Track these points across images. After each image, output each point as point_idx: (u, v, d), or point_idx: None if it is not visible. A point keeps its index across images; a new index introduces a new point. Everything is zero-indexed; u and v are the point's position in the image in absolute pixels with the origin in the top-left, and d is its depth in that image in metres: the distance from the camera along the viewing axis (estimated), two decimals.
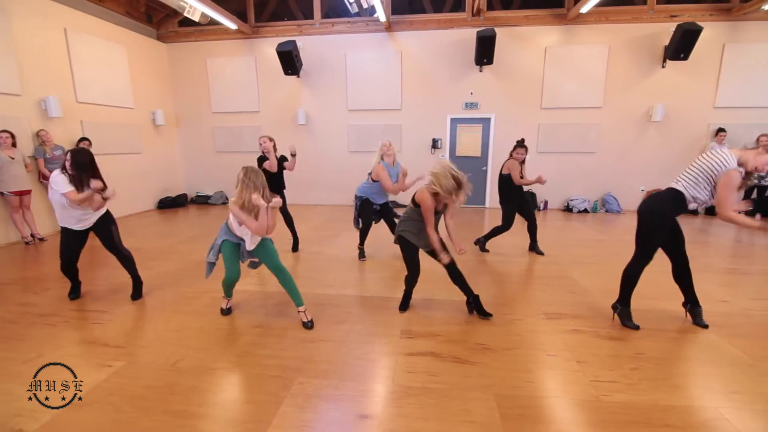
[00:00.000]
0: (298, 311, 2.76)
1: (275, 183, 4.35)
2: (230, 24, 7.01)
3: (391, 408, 1.89)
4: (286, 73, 7.37)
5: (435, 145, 7.63)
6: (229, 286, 2.89)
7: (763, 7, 6.23)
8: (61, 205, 2.90)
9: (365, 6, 6.74)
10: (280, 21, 7.78)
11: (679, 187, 2.49)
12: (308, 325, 2.71)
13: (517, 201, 4.38)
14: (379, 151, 4.09)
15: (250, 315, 2.93)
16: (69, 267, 3.13)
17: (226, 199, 8.48)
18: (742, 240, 5.25)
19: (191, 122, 8.31)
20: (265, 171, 4.11)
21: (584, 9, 6.35)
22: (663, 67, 6.92)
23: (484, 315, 2.82)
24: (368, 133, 7.78)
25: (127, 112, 7.00)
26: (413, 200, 2.73)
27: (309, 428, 1.76)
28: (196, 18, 6.91)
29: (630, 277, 2.68)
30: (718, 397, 1.98)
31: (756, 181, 6.19)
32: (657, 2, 6.80)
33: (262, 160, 4.33)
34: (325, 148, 8.02)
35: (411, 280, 2.90)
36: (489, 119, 7.51)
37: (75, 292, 3.26)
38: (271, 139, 4.31)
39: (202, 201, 8.40)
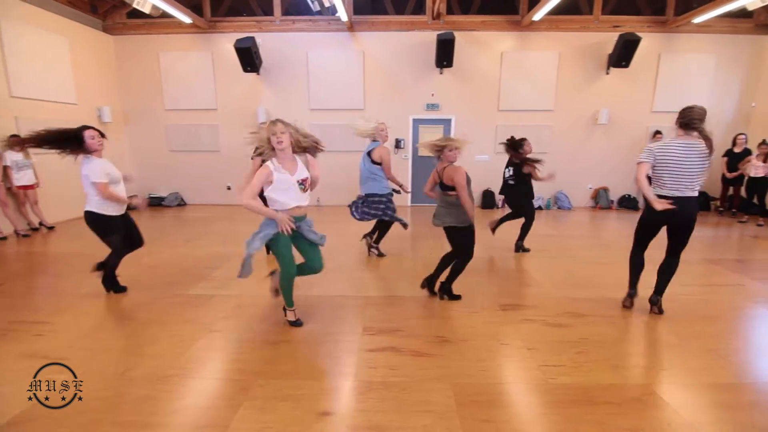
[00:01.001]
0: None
1: None
2: (184, 17, 6.72)
3: (352, 403, 1.92)
4: (245, 70, 7.18)
5: (398, 145, 7.73)
6: (289, 288, 2.60)
7: (693, 21, 6.86)
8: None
9: (327, 5, 6.70)
10: (239, 16, 7.56)
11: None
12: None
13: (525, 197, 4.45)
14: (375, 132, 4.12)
15: (207, 319, 2.84)
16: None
17: (182, 200, 8.12)
18: None
19: (142, 120, 7.87)
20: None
21: (536, 17, 6.69)
22: (607, 73, 7.44)
23: (453, 297, 3.13)
24: (331, 132, 7.71)
25: (69, 108, 6.51)
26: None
27: (268, 429, 1.74)
28: (146, 10, 6.55)
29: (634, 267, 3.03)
30: (650, 374, 2.19)
31: None
32: (602, 13, 7.30)
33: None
34: None
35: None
36: (450, 120, 7.71)
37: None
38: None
39: (156, 203, 7.98)
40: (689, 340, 2.54)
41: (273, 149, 2.40)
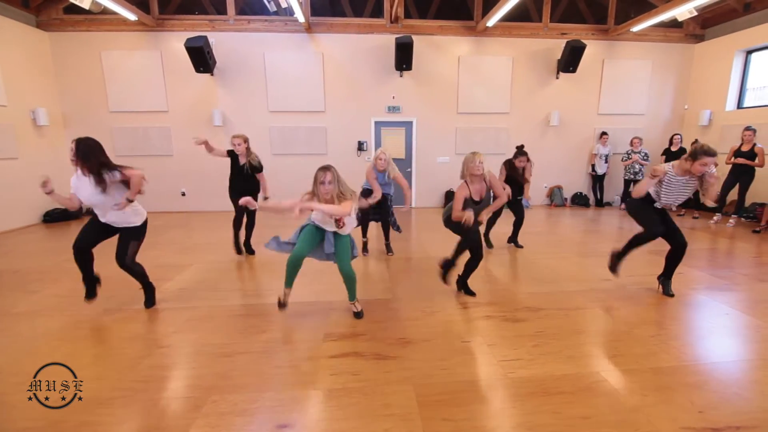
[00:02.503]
0: (351, 303, 2.90)
1: (249, 184, 4.24)
2: (129, 14, 6.32)
3: (312, 413, 1.86)
4: (198, 70, 6.87)
5: (360, 147, 7.71)
6: (292, 268, 2.71)
7: (631, 29, 7.39)
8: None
9: (284, 5, 6.55)
10: (190, 14, 7.23)
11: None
12: (359, 315, 2.85)
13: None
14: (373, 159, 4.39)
15: (156, 335, 2.66)
16: (79, 254, 2.87)
17: None
18: (623, 227, 6.16)
19: (83, 122, 7.29)
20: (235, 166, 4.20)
21: (490, 23, 6.92)
22: (557, 78, 7.84)
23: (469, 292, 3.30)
24: (292, 135, 7.59)
25: None
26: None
27: None
28: (85, 5, 6.10)
29: (633, 242, 3.24)
30: (601, 362, 2.29)
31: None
32: (550, 21, 7.69)
33: (234, 155, 4.19)
34: None
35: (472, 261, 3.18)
36: (411, 122, 7.80)
37: (90, 293, 3.01)
38: (245, 140, 4.18)
39: None
40: (635, 327, 2.69)
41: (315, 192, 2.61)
